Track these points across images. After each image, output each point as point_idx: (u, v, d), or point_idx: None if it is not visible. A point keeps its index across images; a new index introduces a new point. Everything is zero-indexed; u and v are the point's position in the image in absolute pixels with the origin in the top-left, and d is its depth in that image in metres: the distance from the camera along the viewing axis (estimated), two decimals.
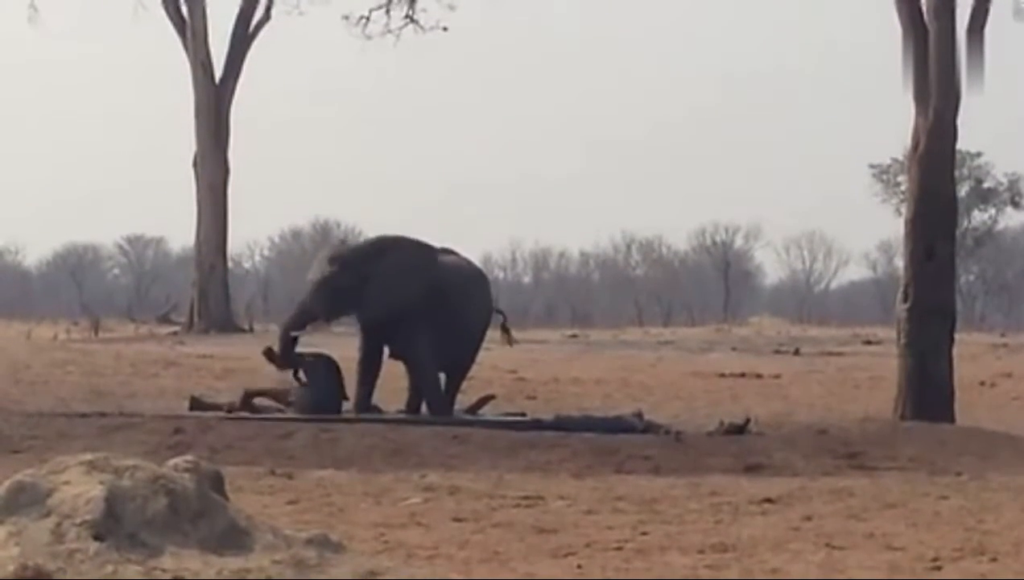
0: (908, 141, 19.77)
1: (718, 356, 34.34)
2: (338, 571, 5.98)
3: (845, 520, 10.87)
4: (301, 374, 17.31)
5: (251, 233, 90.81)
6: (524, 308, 69.07)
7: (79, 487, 6.00)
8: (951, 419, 18.40)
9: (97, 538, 5.82)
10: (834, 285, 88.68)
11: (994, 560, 9.18)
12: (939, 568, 8.96)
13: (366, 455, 14.64)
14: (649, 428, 16.78)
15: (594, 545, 9.61)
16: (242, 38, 46.26)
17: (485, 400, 18.40)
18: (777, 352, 35.86)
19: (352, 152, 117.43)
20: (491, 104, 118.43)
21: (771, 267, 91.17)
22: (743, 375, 27.51)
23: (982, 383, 25.72)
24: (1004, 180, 66.64)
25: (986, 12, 19.32)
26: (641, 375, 27.57)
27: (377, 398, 17.57)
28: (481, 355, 18.84)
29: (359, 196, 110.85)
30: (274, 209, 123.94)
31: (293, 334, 17.44)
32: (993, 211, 67.79)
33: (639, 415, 17.46)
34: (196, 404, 18.07)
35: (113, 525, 5.88)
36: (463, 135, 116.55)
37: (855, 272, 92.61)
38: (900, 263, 22.76)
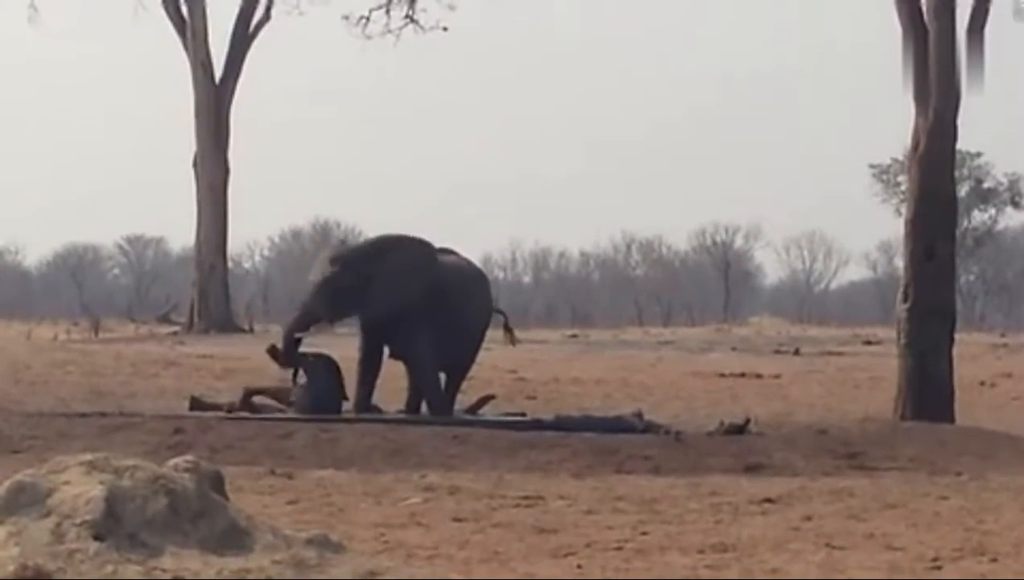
0: (908, 141, 19.77)
1: (718, 356, 34.34)
2: (338, 571, 5.98)
3: (845, 520, 10.87)
4: (300, 375, 17.32)
5: (251, 233, 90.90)
6: (524, 308, 69.06)
7: (79, 487, 6.00)
8: (951, 419, 18.40)
9: (97, 538, 5.82)
10: (834, 285, 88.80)
11: (994, 560, 9.18)
12: (939, 568, 8.96)
13: (366, 455, 14.64)
14: (649, 428, 16.78)
15: (594, 545, 9.61)
16: (242, 38, 46.27)
17: (485, 400, 18.41)
18: (777, 352, 35.86)
19: (352, 152, 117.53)
20: (491, 104, 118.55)
21: (771, 267, 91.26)
22: (743, 375, 27.51)
23: (982, 383, 25.72)
24: (1004, 180, 66.73)
25: (986, 12, 19.32)
26: (641, 375, 27.58)
27: (377, 398, 17.57)
28: (481, 355, 18.84)
29: (359, 196, 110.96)
30: (274, 209, 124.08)
31: (297, 336, 17.43)
32: (993, 211, 67.87)
33: (639, 415, 17.47)
34: (196, 404, 18.08)
35: (113, 525, 5.88)
36: (463, 135, 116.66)
37: (855, 272, 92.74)
38: (900, 263, 22.78)
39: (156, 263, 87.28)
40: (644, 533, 10.17)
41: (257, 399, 17.76)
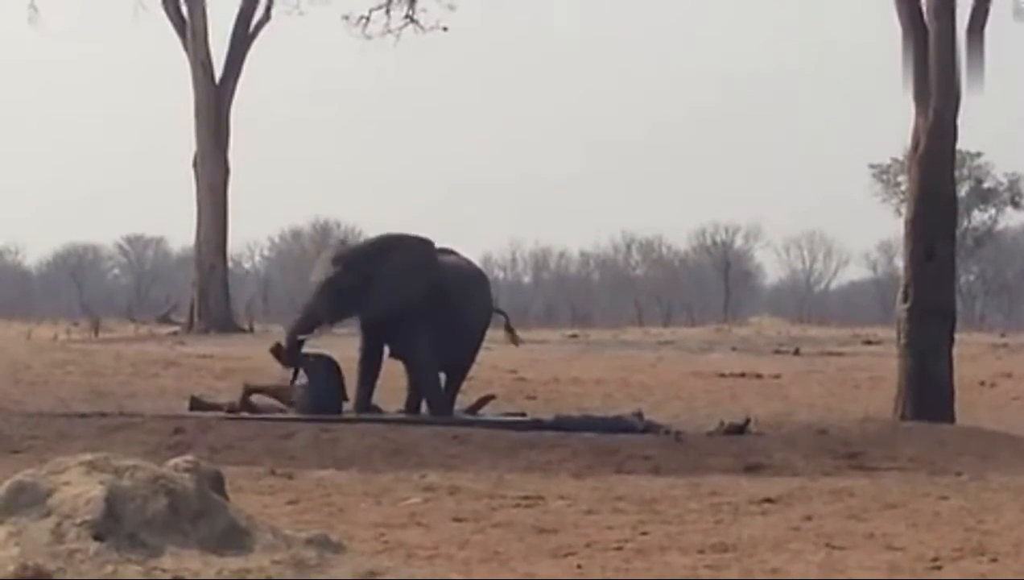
0: (908, 141, 19.77)
1: (718, 356, 34.33)
2: (338, 571, 5.98)
3: (845, 520, 10.87)
4: (301, 375, 17.32)
5: (251, 233, 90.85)
6: (524, 308, 69.05)
7: (79, 487, 6.00)
8: (951, 419, 18.40)
9: (97, 538, 5.82)
10: (834, 285, 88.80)
11: (994, 560, 9.18)
12: (939, 568, 8.96)
13: (366, 455, 14.64)
14: (649, 428, 16.78)
15: (594, 545, 9.61)
16: (242, 38, 46.27)
17: (485, 400, 18.41)
18: (777, 352, 35.86)
19: (352, 152, 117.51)
20: (491, 104, 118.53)
21: (771, 267, 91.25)
22: (743, 375, 27.51)
23: (982, 383, 25.72)
24: (1004, 180, 66.74)
25: (986, 12, 19.33)
26: (641, 375, 27.58)
27: (377, 398, 17.57)
28: (481, 355, 18.85)
29: (359, 196, 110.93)
30: (274, 209, 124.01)
31: (300, 337, 17.41)
32: (993, 211, 67.87)
33: (639, 415, 17.47)
34: (196, 404, 18.08)
35: (113, 525, 5.88)
36: (463, 135, 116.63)
37: (855, 272, 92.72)
38: (900, 263, 22.78)
39: (156, 263, 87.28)
40: (644, 533, 10.17)
41: (258, 398, 17.76)
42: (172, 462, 6.33)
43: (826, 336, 44.36)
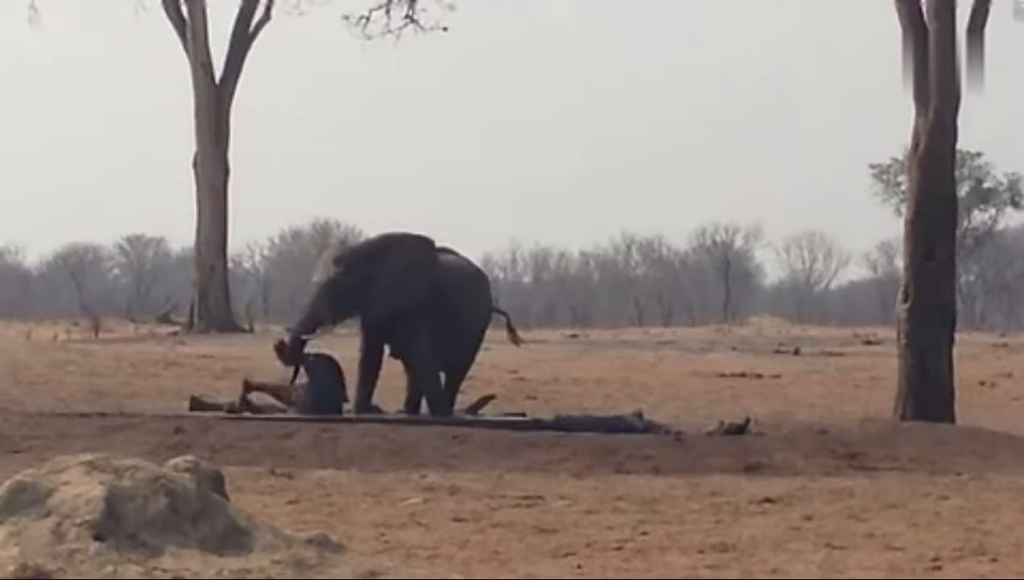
0: (908, 141, 19.78)
1: (718, 356, 34.33)
2: (338, 571, 5.98)
3: (845, 520, 10.87)
4: (300, 374, 17.32)
5: (251, 233, 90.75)
6: (524, 308, 69.04)
7: (79, 487, 6.00)
8: (951, 419, 18.40)
9: (97, 538, 5.82)
10: (834, 285, 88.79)
11: (994, 560, 9.18)
12: (939, 568, 8.96)
13: (366, 455, 14.64)
14: (649, 428, 16.78)
15: (594, 545, 9.61)
16: (242, 38, 46.26)
17: (485, 400, 18.41)
18: (777, 352, 35.84)
19: (352, 152, 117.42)
20: (491, 104, 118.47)
21: (771, 267, 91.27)
22: (743, 375, 27.51)
23: (982, 383, 25.73)
24: (1004, 180, 66.77)
25: (986, 12, 19.33)
26: (641, 375, 27.58)
27: (377, 398, 17.57)
28: (481, 355, 18.85)
29: (359, 196, 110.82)
30: (274, 209, 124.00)
31: (303, 338, 17.40)
32: (993, 211, 67.91)
33: (639, 415, 17.47)
34: (196, 404, 18.07)
35: (113, 525, 5.88)
36: (463, 135, 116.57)
37: (855, 272, 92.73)
38: (900, 263, 22.77)
39: (156, 263, 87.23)
40: (644, 533, 10.17)
41: (258, 397, 17.75)
42: (172, 462, 6.33)
43: (826, 336, 44.34)
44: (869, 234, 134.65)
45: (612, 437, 15.70)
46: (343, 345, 18.43)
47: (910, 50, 19.06)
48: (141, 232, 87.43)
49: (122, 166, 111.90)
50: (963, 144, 21.02)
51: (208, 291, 45.72)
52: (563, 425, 16.54)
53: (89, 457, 6.22)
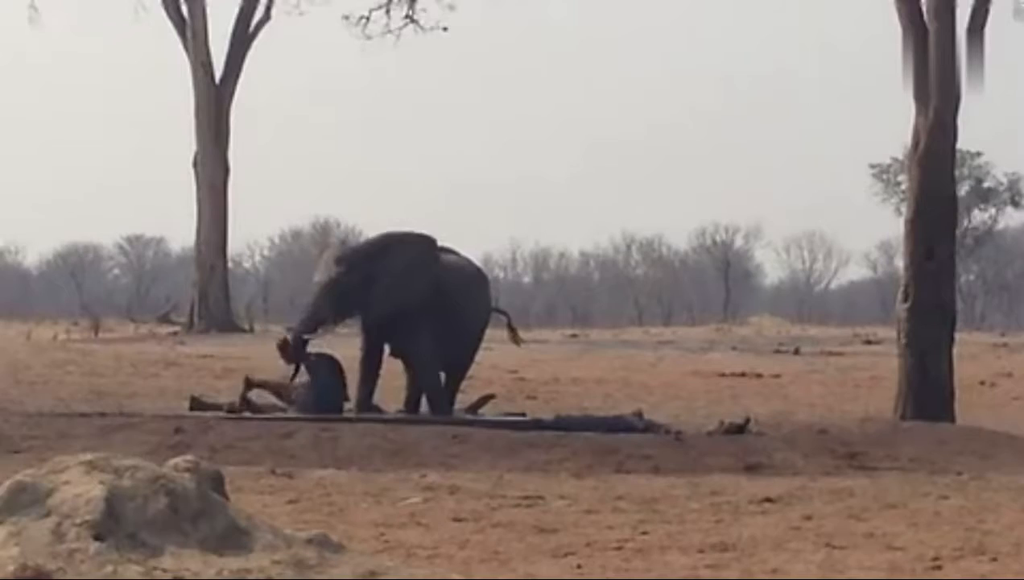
0: (908, 141, 19.78)
1: (718, 356, 34.33)
2: (338, 571, 5.98)
3: (845, 520, 10.87)
4: (301, 373, 17.32)
5: (251, 233, 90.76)
6: (524, 308, 69.03)
7: (79, 487, 5.99)
8: (951, 419, 18.40)
9: (97, 538, 5.82)
10: (834, 285, 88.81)
11: (994, 560, 9.18)
12: (939, 568, 8.96)
13: (366, 455, 14.64)
14: (649, 428, 16.79)
15: (594, 545, 9.61)
16: (242, 38, 46.27)
17: (485, 400, 18.41)
18: (777, 352, 35.85)
19: (352, 152, 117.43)
20: (491, 104, 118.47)
21: (771, 267, 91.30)
22: (743, 375, 27.51)
23: (982, 383, 25.72)
24: (1004, 180, 66.79)
25: (986, 12, 19.33)
26: (641, 375, 27.58)
27: (377, 398, 17.57)
28: (481, 355, 18.85)
29: (359, 196, 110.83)
30: (274, 209, 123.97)
31: (305, 338, 17.40)
32: (993, 211, 67.94)
33: (639, 415, 17.47)
34: (196, 404, 18.07)
35: (113, 525, 5.88)
36: (463, 135, 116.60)
37: (855, 272, 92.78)
38: (900, 263, 22.77)
39: (156, 263, 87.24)
40: (644, 533, 10.17)
41: (258, 396, 17.75)
42: (172, 462, 6.32)
43: (826, 336, 44.34)
44: (869, 234, 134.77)
45: (612, 437, 15.70)
46: (344, 344, 18.43)
47: (910, 50, 19.06)
48: (141, 232, 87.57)
49: (122, 166, 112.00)
50: (963, 144, 21.05)
51: (208, 291, 45.72)
52: (563, 425, 16.54)
53: (89, 457, 6.22)
